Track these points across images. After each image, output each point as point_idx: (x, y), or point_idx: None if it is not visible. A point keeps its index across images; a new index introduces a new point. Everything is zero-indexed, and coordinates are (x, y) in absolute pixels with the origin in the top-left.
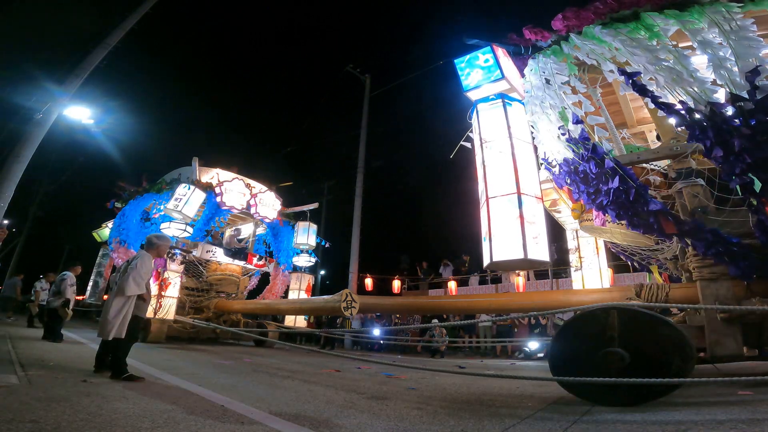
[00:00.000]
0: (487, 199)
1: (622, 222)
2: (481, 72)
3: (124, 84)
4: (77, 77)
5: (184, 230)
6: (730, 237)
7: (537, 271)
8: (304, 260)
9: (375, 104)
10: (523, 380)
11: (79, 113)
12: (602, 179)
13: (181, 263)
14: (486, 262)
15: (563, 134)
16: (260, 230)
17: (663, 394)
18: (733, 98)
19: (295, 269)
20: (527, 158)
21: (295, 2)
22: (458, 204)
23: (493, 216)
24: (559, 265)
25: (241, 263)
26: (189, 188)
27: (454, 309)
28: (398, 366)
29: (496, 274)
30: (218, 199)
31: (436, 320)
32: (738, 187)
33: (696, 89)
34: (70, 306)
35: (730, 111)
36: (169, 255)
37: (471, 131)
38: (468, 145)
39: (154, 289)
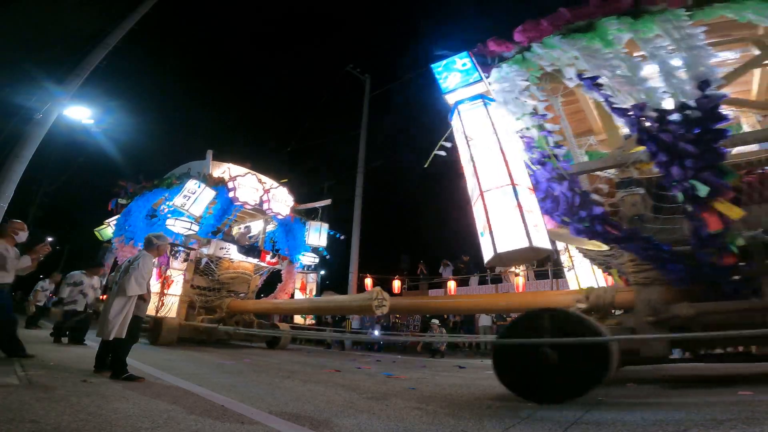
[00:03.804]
0: (481, 193)
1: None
2: (460, 75)
3: (124, 84)
4: (77, 77)
5: (190, 228)
6: (663, 244)
7: (537, 270)
8: (309, 258)
9: (375, 104)
10: None
11: (79, 113)
12: (550, 185)
13: (185, 260)
14: (487, 257)
15: (522, 138)
16: (270, 227)
17: (584, 392)
18: (680, 106)
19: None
20: (514, 152)
21: (295, 2)
22: (458, 204)
23: (490, 209)
24: (558, 265)
25: (254, 261)
26: (199, 185)
27: (468, 309)
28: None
29: (497, 274)
30: (231, 194)
31: (436, 320)
32: (678, 194)
33: (645, 96)
34: (64, 307)
35: (676, 118)
36: (172, 252)
37: (447, 138)
38: (443, 153)
39: (156, 286)
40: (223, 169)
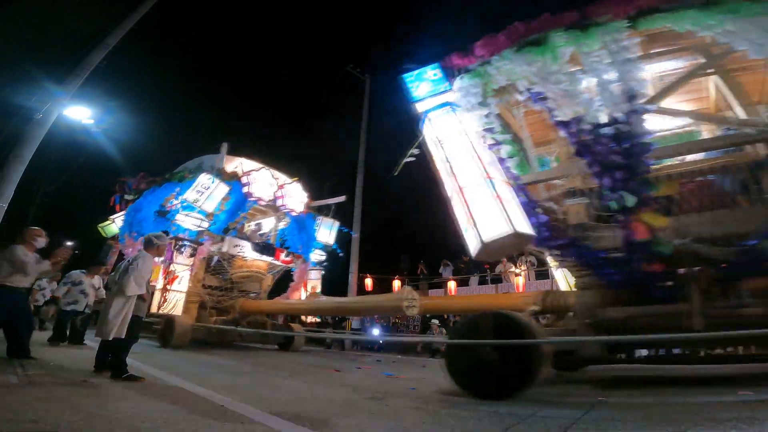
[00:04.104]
0: (460, 189)
1: None
2: (430, 84)
3: (124, 84)
4: (77, 77)
5: (200, 224)
6: (599, 251)
7: (537, 270)
8: (317, 255)
9: (375, 103)
10: None
11: (79, 113)
12: None
13: (190, 255)
14: (474, 250)
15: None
16: (282, 224)
17: (521, 389)
18: (611, 120)
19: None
20: (486, 150)
21: (295, 2)
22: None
23: (470, 203)
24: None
25: (269, 259)
26: (213, 180)
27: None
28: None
29: (497, 274)
30: (245, 189)
31: (436, 321)
32: (611, 203)
33: (582, 110)
34: (63, 307)
35: (608, 131)
36: (177, 246)
37: (417, 145)
38: (413, 158)
39: (159, 282)
40: (235, 164)
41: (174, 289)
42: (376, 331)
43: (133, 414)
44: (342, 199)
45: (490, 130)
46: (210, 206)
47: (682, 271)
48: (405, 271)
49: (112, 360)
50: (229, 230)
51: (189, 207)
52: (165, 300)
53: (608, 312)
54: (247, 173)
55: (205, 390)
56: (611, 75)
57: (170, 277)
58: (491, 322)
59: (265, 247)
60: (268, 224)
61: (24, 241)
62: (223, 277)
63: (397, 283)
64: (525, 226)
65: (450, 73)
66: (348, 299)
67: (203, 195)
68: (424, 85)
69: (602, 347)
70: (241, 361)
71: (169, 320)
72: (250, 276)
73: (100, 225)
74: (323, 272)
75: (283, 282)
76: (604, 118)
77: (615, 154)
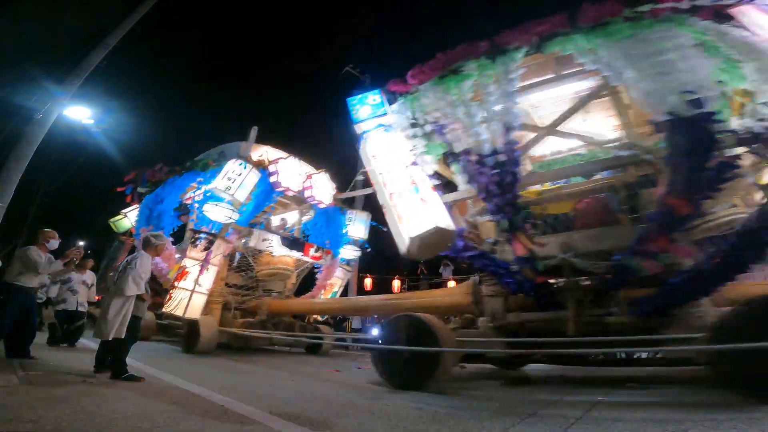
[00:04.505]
0: (390, 195)
1: None
2: (370, 108)
3: (124, 84)
4: (77, 77)
5: (231, 216)
6: (503, 262)
7: None
8: (351, 251)
9: None
10: (523, 381)
11: (79, 113)
12: None
13: (204, 250)
14: (403, 245)
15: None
16: (306, 218)
17: (424, 382)
18: (491, 151)
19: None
20: (413, 162)
21: (295, 2)
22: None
23: (398, 205)
24: None
25: (297, 255)
26: (244, 166)
27: None
28: None
29: None
30: (273, 178)
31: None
32: (501, 223)
33: (473, 141)
34: (55, 307)
35: (489, 162)
36: (192, 240)
37: (361, 169)
38: (361, 177)
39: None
40: (260, 152)
41: (181, 287)
42: (375, 331)
43: (133, 414)
44: (370, 190)
45: (419, 148)
46: (242, 195)
47: (561, 282)
48: (405, 271)
49: (111, 360)
50: (255, 224)
51: (215, 197)
52: (170, 298)
53: (510, 317)
54: (275, 161)
55: (205, 390)
56: (497, 107)
57: (179, 273)
58: (405, 323)
59: (294, 242)
60: (291, 218)
61: (38, 243)
62: (247, 275)
63: (396, 283)
64: (446, 222)
65: (391, 98)
66: (399, 296)
67: (235, 183)
68: (364, 109)
69: (507, 348)
70: (240, 361)
71: (192, 324)
72: (277, 274)
73: (111, 220)
74: (349, 270)
75: (306, 281)
76: (487, 149)
77: (493, 183)
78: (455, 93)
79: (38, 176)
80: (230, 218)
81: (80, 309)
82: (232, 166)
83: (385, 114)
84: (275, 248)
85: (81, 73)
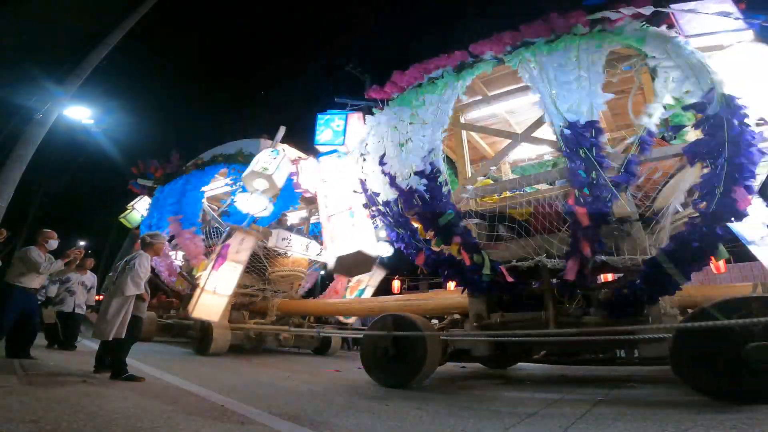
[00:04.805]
0: (328, 217)
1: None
2: (331, 133)
3: (124, 84)
4: (77, 77)
5: (266, 207)
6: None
7: None
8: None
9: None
10: (523, 380)
11: (79, 113)
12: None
13: (233, 247)
14: (331, 264)
15: (384, 174)
16: (315, 218)
17: (413, 379)
18: (418, 174)
19: None
20: (356, 187)
21: (295, 2)
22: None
23: (333, 227)
24: None
25: (313, 256)
26: (277, 153)
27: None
28: None
29: None
30: (295, 179)
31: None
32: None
33: (404, 168)
34: (54, 307)
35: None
36: (224, 239)
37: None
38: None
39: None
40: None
41: (207, 289)
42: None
43: (133, 414)
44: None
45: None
46: (279, 179)
47: (537, 283)
48: (405, 271)
49: (111, 360)
50: (280, 222)
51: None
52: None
53: (492, 317)
54: (296, 161)
55: (204, 390)
56: (428, 131)
57: (210, 267)
58: (391, 322)
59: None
60: (296, 216)
61: (38, 243)
62: (259, 275)
63: (396, 283)
64: (369, 248)
65: (373, 103)
66: (420, 296)
67: (271, 165)
68: (327, 132)
69: (490, 347)
70: (240, 361)
71: (205, 326)
72: (291, 275)
73: (121, 216)
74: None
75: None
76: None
77: (424, 202)
78: (405, 115)
79: (38, 176)
80: (266, 209)
81: (77, 311)
82: (264, 156)
83: (342, 144)
84: (294, 247)
85: (81, 73)
